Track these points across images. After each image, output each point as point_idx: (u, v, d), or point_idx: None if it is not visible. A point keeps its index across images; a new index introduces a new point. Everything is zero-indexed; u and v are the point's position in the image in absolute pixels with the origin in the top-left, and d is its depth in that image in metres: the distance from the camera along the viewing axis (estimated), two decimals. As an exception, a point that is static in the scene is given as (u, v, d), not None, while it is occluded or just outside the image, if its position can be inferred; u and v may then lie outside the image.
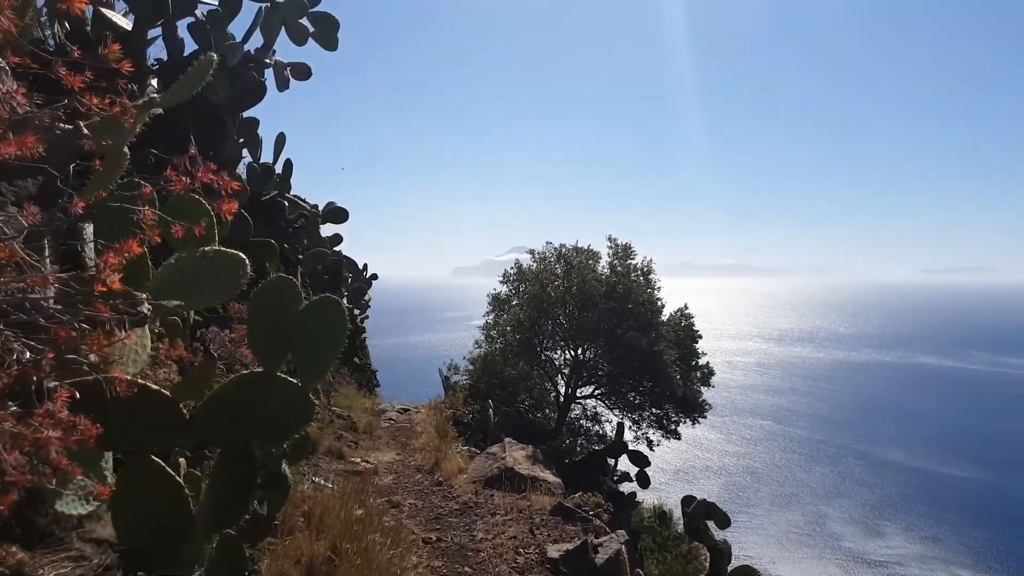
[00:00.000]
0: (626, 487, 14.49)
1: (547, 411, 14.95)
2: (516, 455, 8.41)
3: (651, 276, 13.93)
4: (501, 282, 15.41)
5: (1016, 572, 28.75)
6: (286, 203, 7.71)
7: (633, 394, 13.83)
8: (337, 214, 9.37)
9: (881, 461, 44.55)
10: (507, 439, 9.17)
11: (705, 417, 14.01)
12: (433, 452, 8.73)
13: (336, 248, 11.19)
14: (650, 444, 14.42)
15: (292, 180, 8.74)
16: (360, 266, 15.41)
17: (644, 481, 12.98)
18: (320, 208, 9.45)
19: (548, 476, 7.98)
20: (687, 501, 6.98)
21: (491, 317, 15.23)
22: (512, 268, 15.25)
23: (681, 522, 14.51)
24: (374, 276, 15.23)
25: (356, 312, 14.96)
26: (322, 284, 9.91)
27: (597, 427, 14.89)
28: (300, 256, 7.58)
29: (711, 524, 6.87)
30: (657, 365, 12.33)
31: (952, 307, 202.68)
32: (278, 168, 8.02)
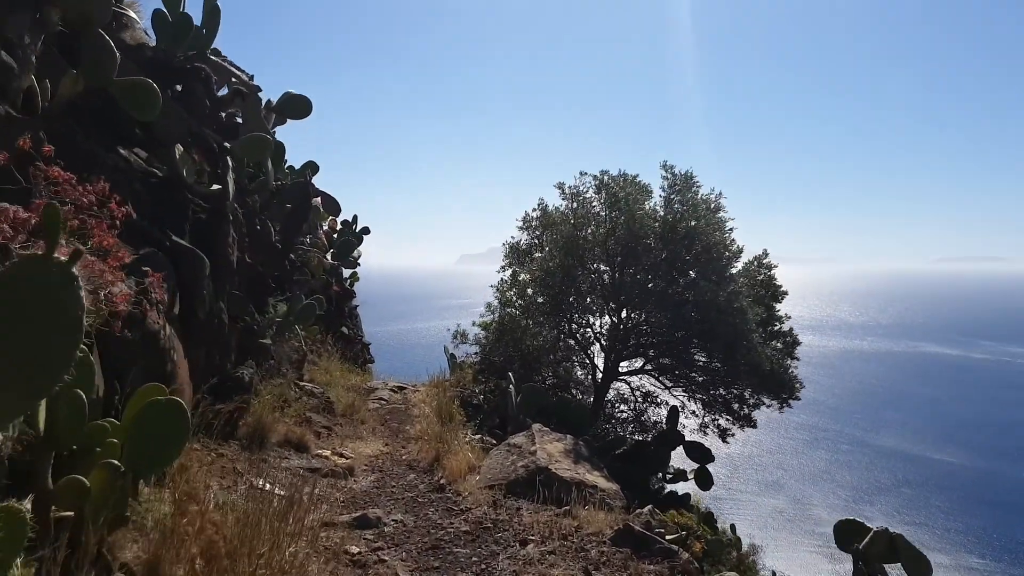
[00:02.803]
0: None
1: (575, 392, 12.07)
2: (551, 449, 5.91)
3: (720, 214, 10.79)
4: (520, 228, 12.38)
5: (999, 559, 27.92)
6: (210, 70, 5.08)
7: (698, 370, 10.68)
8: (296, 104, 6.67)
9: (881, 448, 45.13)
10: (536, 426, 6.61)
11: (798, 398, 11.07)
12: (433, 442, 6.29)
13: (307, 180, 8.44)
14: (723, 435, 11.51)
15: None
16: (351, 218, 12.88)
17: (705, 481, 10.31)
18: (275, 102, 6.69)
19: (600, 480, 5.48)
20: (850, 529, 4.34)
21: (507, 273, 12.24)
22: (535, 211, 12.12)
23: (723, 525, 11.94)
24: (365, 230, 12.75)
25: (343, 271, 12.49)
26: (283, 215, 7.35)
27: (648, 411, 11.81)
28: (227, 145, 4.96)
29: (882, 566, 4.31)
30: (738, 329, 9.29)
31: (962, 296, 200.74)
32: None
